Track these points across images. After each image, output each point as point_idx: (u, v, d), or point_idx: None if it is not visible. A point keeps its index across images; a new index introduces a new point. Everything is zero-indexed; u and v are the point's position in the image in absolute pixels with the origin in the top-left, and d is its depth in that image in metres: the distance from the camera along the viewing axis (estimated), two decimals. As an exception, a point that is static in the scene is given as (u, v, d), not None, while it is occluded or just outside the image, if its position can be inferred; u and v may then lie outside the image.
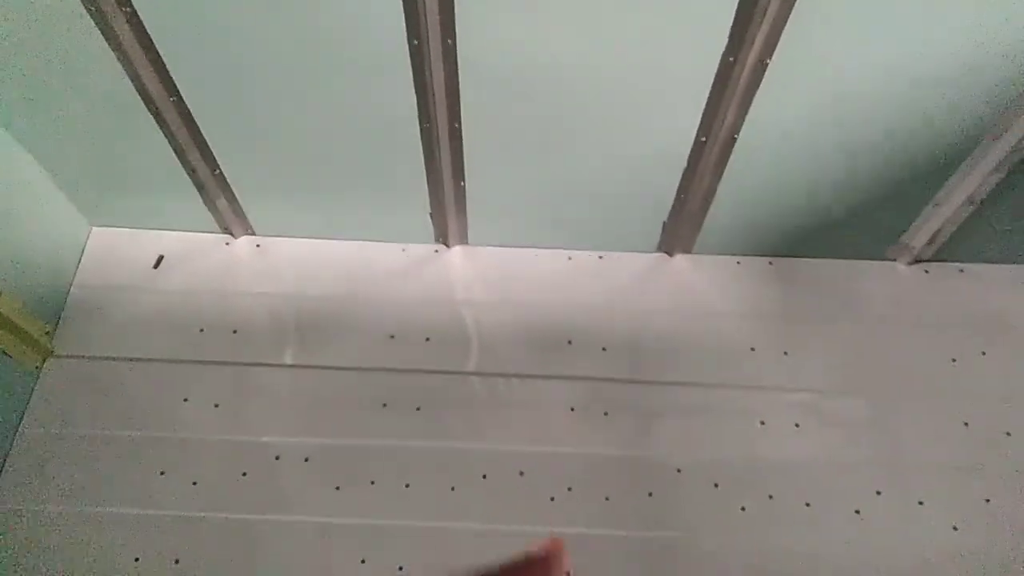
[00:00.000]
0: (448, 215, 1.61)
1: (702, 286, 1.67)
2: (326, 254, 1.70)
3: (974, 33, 1.14)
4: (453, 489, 1.45)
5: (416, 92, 1.30)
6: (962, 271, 1.67)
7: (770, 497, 1.43)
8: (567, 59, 1.22)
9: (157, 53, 1.25)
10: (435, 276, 1.68)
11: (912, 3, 1.10)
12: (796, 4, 1.10)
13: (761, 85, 1.24)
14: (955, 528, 1.40)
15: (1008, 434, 1.48)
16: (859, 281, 1.67)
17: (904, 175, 1.43)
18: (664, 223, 1.61)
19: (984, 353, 1.57)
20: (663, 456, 1.48)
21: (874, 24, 1.14)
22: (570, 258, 1.71)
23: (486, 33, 1.18)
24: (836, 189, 1.49)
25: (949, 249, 1.63)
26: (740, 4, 1.10)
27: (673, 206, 1.55)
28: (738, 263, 1.69)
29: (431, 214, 1.62)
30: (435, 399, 1.53)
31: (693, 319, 1.62)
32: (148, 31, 1.21)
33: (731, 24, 1.14)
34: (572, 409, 1.53)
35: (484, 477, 1.46)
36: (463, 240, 1.72)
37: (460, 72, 1.25)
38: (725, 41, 1.17)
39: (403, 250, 1.72)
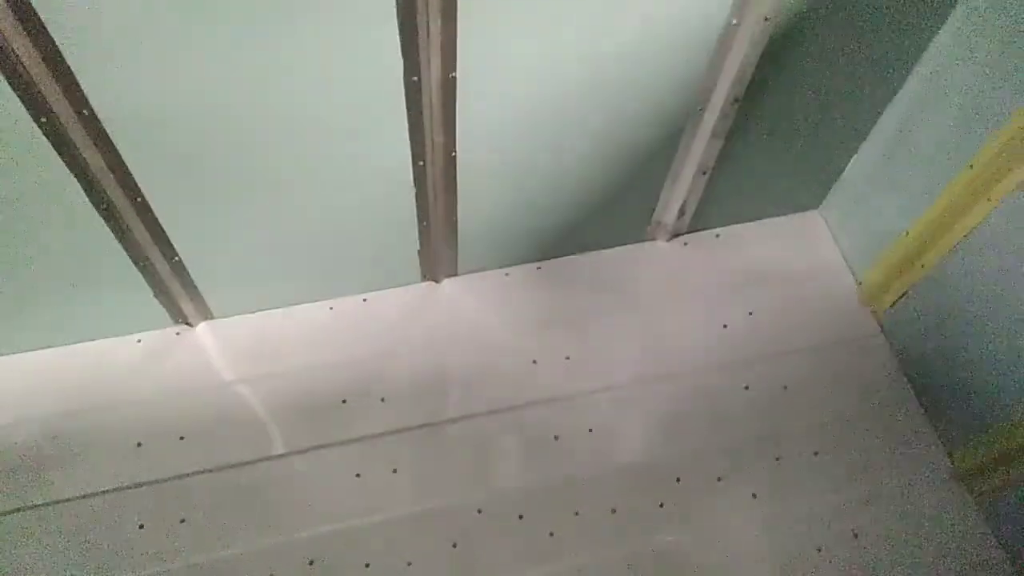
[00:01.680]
0: (175, 294, 1.43)
1: (473, 307, 1.59)
2: (50, 365, 1.46)
3: (644, 6, 1.12)
4: (236, 602, 1.28)
5: (73, 175, 1.11)
6: (718, 236, 1.70)
7: (576, 514, 1.37)
8: (235, 105, 1.08)
9: None
10: (179, 362, 1.49)
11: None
12: (459, 19, 1.02)
13: (458, 99, 1.16)
14: (754, 496, 1.40)
15: (785, 388, 1.51)
16: (625, 266, 1.65)
17: (634, 156, 1.41)
18: (418, 251, 1.51)
19: (751, 313, 1.60)
20: (461, 501, 1.38)
21: (547, 15, 1.08)
22: (331, 308, 1.57)
23: (125, 93, 1.02)
24: (575, 182, 1.45)
25: (701, 218, 1.65)
26: (401, 25, 1.01)
27: (420, 233, 1.46)
28: (506, 275, 1.63)
29: (156, 295, 1.42)
30: (204, 503, 1.35)
31: (469, 344, 1.54)
32: None
33: (399, 45, 1.04)
34: (358, 475, 1.40)
35: (270, 578, 1.30)
36: (206, 315, 1.54)
37: (114, 140, 1.08)
38: (401, 62, 1.07)
39: (138, 341, 1.52)
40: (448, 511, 1.37)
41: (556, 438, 1.44)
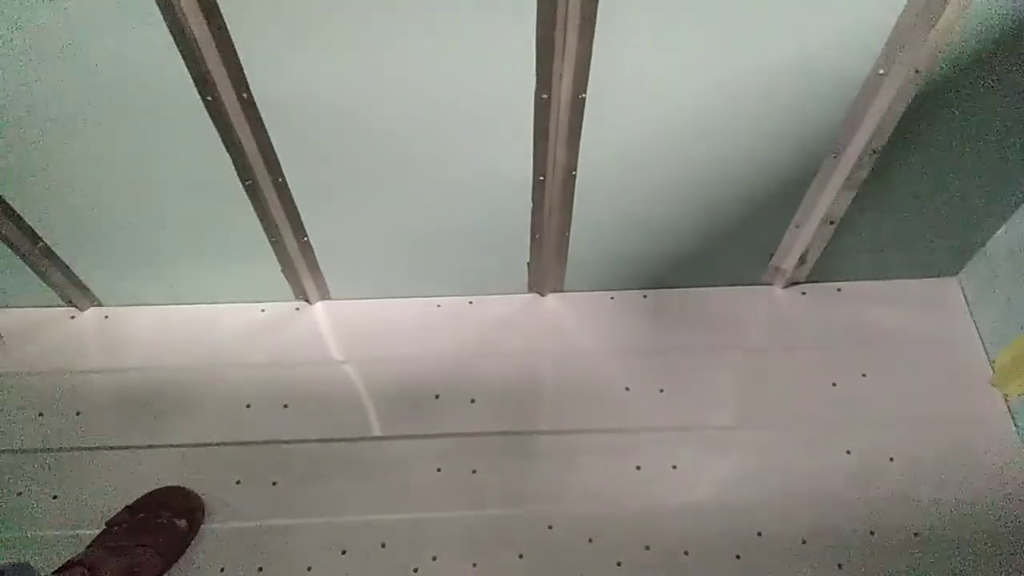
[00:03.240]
0: (300, 272, 1.53)
1: (574, 325, 1.60)
2: (177, 320, 1.60)
3: (796, 45, 1.10)
4: (309, 569, 1.34)
5: (227, 150, 1.22)
6: (839, 290, 1.63)
7: (647, 548, 1.35)
8: (376, 103, 1.15)
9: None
10: (294, 336, 1.59)
11: (722, 21, 1.05)
12: (596, 38, 1.04)
13: (584, 120, 1.19)
14: (840, 566, 1.33)
15: (891, 459, 1.43)
16: (736, 307, 1.61)
17: (760, 197, 1.38)
18: (528, 263, 1.54)
19: (864, 375, 1.52)
20: (534, 513, 1.39)
21: (688, 40, 1.09)
22: (439, 305, 1.63)
23: (281, 82, 1.11)
24: (696, 216, 1.43)
25: (824, 269, 1.59)
26: (539, 41, 1.05)
27: (531, 246, 1.49)
28: (612, 298, 1.63)
29: (283, 271, 1.53)
30: (297, 470, 1.44)
31: (565, 361, 1.55)
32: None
33: (535, 62, 1.08)
34: (438, 470, 1.44)
35: (343, 553, 1.36)
36: (325, 295, 1.63)
37: (266, 124, 1.18)
38: (534, 79, 1.10)
39: (262, 310, 1.63)
40: (520, 521, 1.38)
41: (638, 468, 1.43)
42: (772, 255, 1.55)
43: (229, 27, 1.02)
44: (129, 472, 1.43)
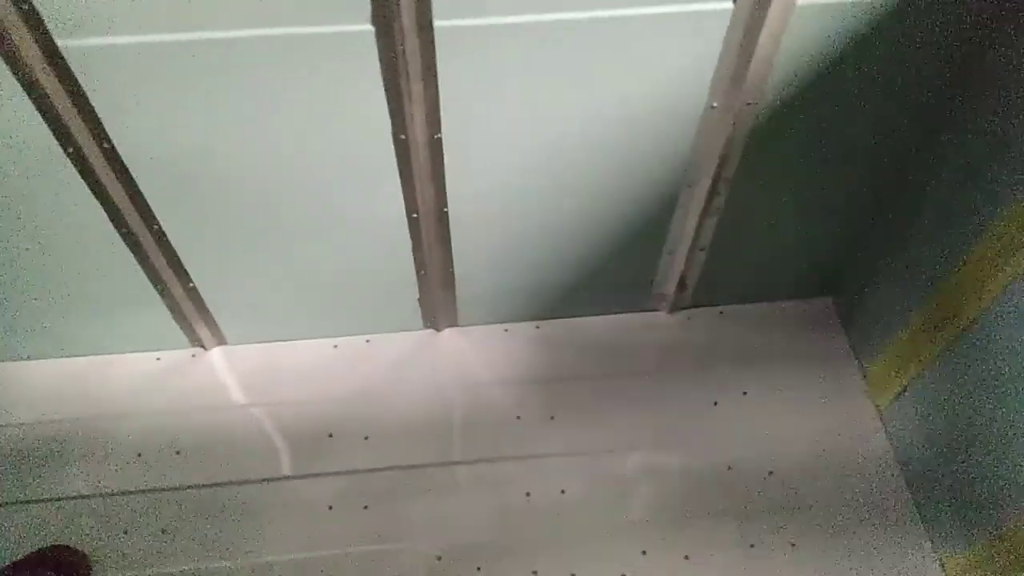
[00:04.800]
0: (191, 319, 1.54)
1: (468, 358, 1.63)
2: (69, 373, 1.60)
3: (633, 85, 1.17)
4: (197, 615, 1.34)
5: (98, 201, 1.24)
6: (722, 313, 1.70)
7: (534, 573, 1.37)
8: (241, 153, 1.19)
9: None
10: (190, 382, 1.60)
11: (557, 70, 1.12)
12: (440, 84, 1.10)
13: (446, 159, 1.24)
14: (719, 579, 1.37)
15: (770, 473, 1.48)
16: (624, 334, 1.67)
17: (627, 227, 1.45)
18: (418, 299, 1.58)
19: (745, 393, 1.58)
20: (425, 545, 1.40)
21: (529, 91, 1.15)
22: (336, 345, 1.66)
23: (141, 132, 1.14)
24: (573, 248, 1.49)
25: (707, 293, 1.66)
26: (386, 85, 1.10)
27: (419, 282, 1.53)
28: (505, 330, 1.67)
29: (174, 318, 1.54)
30: (188, 517, 1.43)
31: (459, 394, 1.58)
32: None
33: (386, 104, 1.13)
34: (330, 507, 1.45)
35: (232, 597, 1.35)
36: (221, 341, 1.65)
37: (135, 176, 1.21)
38: (388, 120, 1.16)
39: (157, 359, 1.64)
40: (406, 553, 1.39)
41: (528, 495, 1.46)
42: (653, 282, 1.62)
43: (79, 78, 1.05)
44: (17, 528, 1.41)
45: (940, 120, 1.26)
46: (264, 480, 1.47)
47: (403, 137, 1.19)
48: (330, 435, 1.53)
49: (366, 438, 1.52)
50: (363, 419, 1.55)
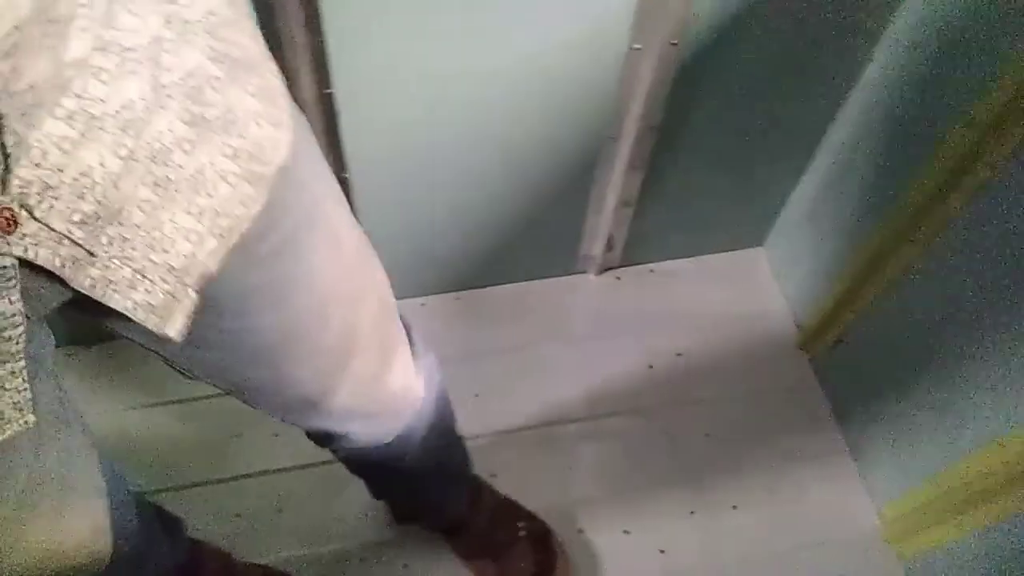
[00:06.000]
0: None
1: (385, 337, 1.51)
2: None
3: (550, 28, 1.05)
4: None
5: None
6: (652, 271, 1.62)
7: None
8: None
9: None
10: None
11: (466, 14, 0.99)
12: (324, 27, 0.96)
13: (339, 118, 1.10)
14: (662, 551, 1.30)
15: (707, 435, 1.42)
16: (551, 300, 1.57)
17: (549, 185, 1.34)
18: (326, 277, 1.44)
19: (679, 354, 1.51)
20: (345, 546, 1.29)
21: (433, 40, 1.02)
22: (237, 332, 1.50)
23: None
24: (491, 210, 1.38)
25: (635, 251, 1.57)
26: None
27: (324, 258, 1.39)
28: (422, 304, 1.55)
29: None
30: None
31: (376, 377, 1.45)
32: None
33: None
34: (238, 515, 1.31)
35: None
36: (103, 335, 1.47)
37: None
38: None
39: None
40: (330, 556, 1.28)
41: (457, 480, 1.35)
42: (579, 243, 1.52)
43: None
44: None
45: (869, 54, 1.20)
46: (174, 488, 1.32)
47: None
48: (239, 435, 1.38)
49: (276, 435, 1.39)
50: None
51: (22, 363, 0.40)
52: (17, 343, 0.39)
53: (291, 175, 0.54)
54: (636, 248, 1.56)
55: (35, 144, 0.35)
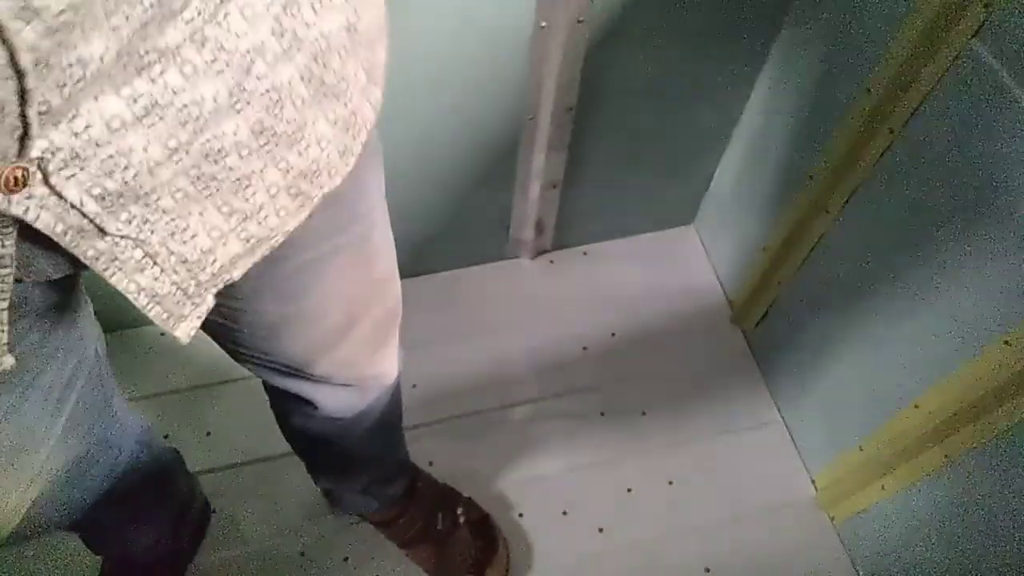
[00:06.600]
0: None
1: (317, 331, 1.48)
2: None
3: (455, 6, 1.04)
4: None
5: None
6: (585, 254, 1.62)
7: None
8: None
9: None
10: None
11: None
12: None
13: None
14: (600, 530, 1.31)
15: (643, 414, 1.43)
16: (484, 286, 1.57)
17: (471, 168, 1.33)
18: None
19: (614, 335, 1.51)
20: (291, 541, 1.27)
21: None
22: (162, 334, 1.47)
23: None
24: (419, 196, 1.36)
25: (567, 234, 1.57)
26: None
27: (247, 253, 1.36)
28: (355, 296, 1.53)
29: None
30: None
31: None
32: None
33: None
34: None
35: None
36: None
37: None
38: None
39: None
40: (280, 551, 1.26)
41: (393, 472, 1.34)
42: (509, 228, 1.51)
43: None
44: None
45: (777, 28, 1.21)
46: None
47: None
48: (165, 436, 1.35)
49: (208, 434, 1.36)
50: (201, 414, 1.38)
51: (4, 304, 0.38)
52: (3, 281, 0.37)
53: (342, 202, 0.54)
54: (568, 231, 1.56)
55: (83, 114, 0.34)
